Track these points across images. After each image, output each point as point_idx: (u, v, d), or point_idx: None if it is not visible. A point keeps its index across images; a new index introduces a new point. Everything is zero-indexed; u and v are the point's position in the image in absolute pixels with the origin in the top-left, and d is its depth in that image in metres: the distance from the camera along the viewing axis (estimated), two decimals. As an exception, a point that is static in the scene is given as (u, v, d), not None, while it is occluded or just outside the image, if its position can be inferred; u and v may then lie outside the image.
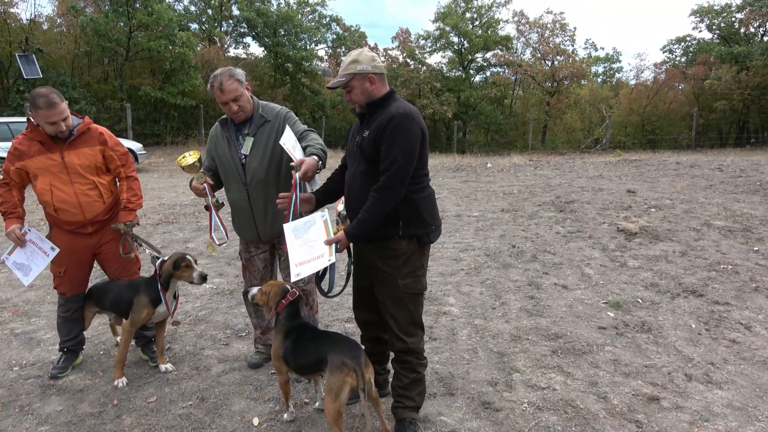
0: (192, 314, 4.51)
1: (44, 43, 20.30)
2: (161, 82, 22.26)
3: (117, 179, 3.52)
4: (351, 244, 2.67)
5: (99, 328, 4.17)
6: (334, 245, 2.52)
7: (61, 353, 3.58)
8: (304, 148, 2.96)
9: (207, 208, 3.23)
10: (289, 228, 2.65)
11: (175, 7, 25.26)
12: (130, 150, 13.74)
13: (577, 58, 29.31)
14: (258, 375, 3.46)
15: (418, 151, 2.49)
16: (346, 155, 2.81)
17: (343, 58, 2.66)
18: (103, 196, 3.35)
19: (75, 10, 20.41)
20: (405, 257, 2.61)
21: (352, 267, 2.76)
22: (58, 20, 22.88)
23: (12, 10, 20.04)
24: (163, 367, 3.52)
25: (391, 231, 2.56)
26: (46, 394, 3.28)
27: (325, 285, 2.67)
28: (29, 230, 3.32)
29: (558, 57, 29.19)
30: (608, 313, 4.37)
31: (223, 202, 3.30)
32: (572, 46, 29.86)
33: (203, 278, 3.33)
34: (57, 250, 3.31)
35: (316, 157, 2.79)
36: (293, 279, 2.58)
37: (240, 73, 3.11)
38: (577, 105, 29.61)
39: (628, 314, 4.33)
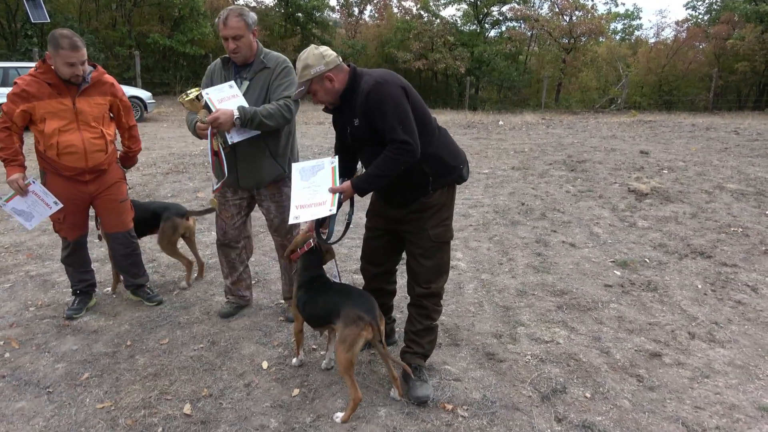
0: (203, 261, 4.56)
1: (51, -13, 19.89)
2: (170, 30, 21.89)
3: (119, 128, 3.57)
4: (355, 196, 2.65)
5: (111, 273, 4.24)
6: (337, 195, 2.49)
7: (74, 296, 3.68)
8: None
9: (217, 153, 3.05)
10: (297, 168, 2.64)
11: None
12: (140, 98, 13.68)
13: (596, 14, 28.37)
14: (267, 321, 3.53)
15: (409, 105, 2.43)
16: (350, 144, 2.69)
17: (296, 66, 2.55)
18: (107, 147, 3.37)
19: (81, -48, 19.88)
20: (436, 209, 2.64)
21: (350, 217, 2.74)
22: (65, -38, 22.30)
23: (17, -50, 19.55)
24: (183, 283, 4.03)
25: (421, 192, 2.58)
26: (62, 333, 3.37)
27: (325, 233, 2.67)
28: (33, 182, 3.24)
29: (576, 12, 28.22)
30: (615, 271, 4.39)
31: (231, 144, 3.03)
32: (592, 1, 28.87)
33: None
34: (60, 205, 3.31)
35: (235, 111, 2.82)
36: (291, 221, 2.56)
37: (251, 15, 3.03)
38: (593, 63, 28.81)
39: (634, 273, 4.34)
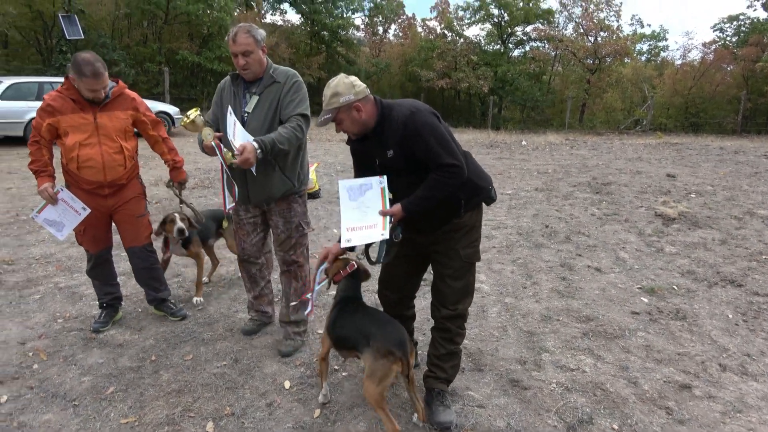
0: (226, 278, 4.61)
1: (86, 5, 20.48)
2: (198, 47, 22.39)
3: (152, 144, 3.65)
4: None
5: (138, 287, 4.30)
6: (388, 218, 2.45)
7: (101, 309, 3.73)
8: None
9: (230, 167, 3.02)
10: (344, 186, 2.58)
11: (215, -30, 25.18)
12: (167, 113, 13.97)
13: (621, 35, 28.24)
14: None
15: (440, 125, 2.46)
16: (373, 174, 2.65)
17: (323, 93, 2.48)
18: (125, 161, 3.42)
19: (116, -29, 20.55)
20: (467, 229, 2.65)
21: (399, 235, 2.60)
22: (100, -19, 23.04)
23: (56, -30, 20.29)
24: (195, 299, 4.08)
25: (454, 214, 2.59)
26: (88, 346, 3.42)
27: (373, 253, 2.62)
28: (62, 189, 3.33)
29: (601, 33, 28.15)
30: (642, 298, 4.30)
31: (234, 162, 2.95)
32: (617, 21, 28.84)
33: (180, 232, 3.82)
34: (88, 210, 3.37)
35: (255, 144, 2.79)
36: (343, 244, 2.54)
37: (260, 32, 3.04)
38: (618, 84, 28.63)
39: (662, 301, 4.25)
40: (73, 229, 3.42)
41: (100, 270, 3.65)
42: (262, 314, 3.69)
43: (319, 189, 7.87)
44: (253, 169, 2.90)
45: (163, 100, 16.98)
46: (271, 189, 3.17)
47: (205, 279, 4.42)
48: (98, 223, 3.51)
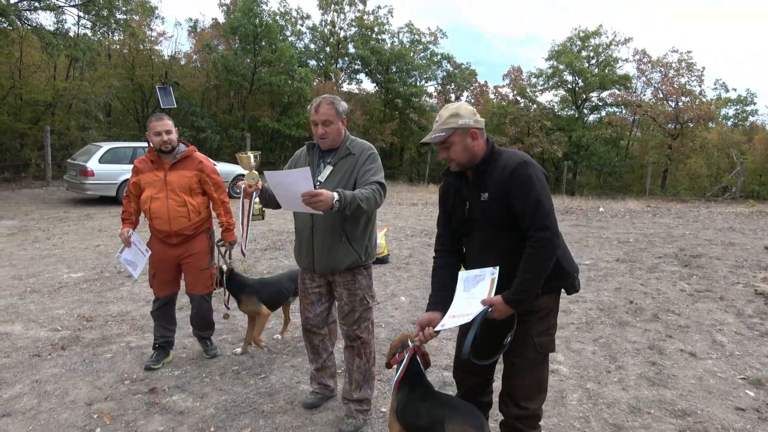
0: (291, 345, 4.52)
1: (180, 77, 22.48)
2: (279, 114, 23.71)
3: (213, 204, 4.04)
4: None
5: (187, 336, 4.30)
6: (485, 308, 2.24)
7: (154, 350, 4.08)
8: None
9: (251, 216, 3.08)
10: (462, 277, 2.44)
11: (297, 45, 26.99)
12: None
13: (704, 100, 27.21)
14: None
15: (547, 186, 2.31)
16: (455, 223, 2.54)
17: (440, 113, 2.42)
18: (189, 214, 3.84)
19: (209, 47, 22.49)
20: (543, 314, 2.41)
21: (509, 338, 2.34)
22: (194, 56, 25.24)
23: (156, 47, 22.49)
24: (236, 349, 4.32)
25: None
26: (150, 411, 3.38)
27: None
28: (132, 233, 3.88)
29: (683, 98, 27.27)
30: (747, 391, 3.78)
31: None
32: (700, 86, 27.74)
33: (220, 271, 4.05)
34: (149, 252, 3.87)
35: (336, 195, 2.69)
36: (437, 328, 2.37)
37: (342, 104, 3.08)
38: (703, 149, 27.31)
39: (773, 395, 3.72)
40: (142, 269, 3.91)
41: (162, 312, 4.05)
42: (324, 387, 3.54)
43: (388, 254, 7.78)
44: (319, 212, 2.79)
45: (244, 164, 17.84)
46: (335, 259, 3.10)
47: (277, 336, 4.67)
48: (166, 268, 3.96)
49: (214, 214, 4.04)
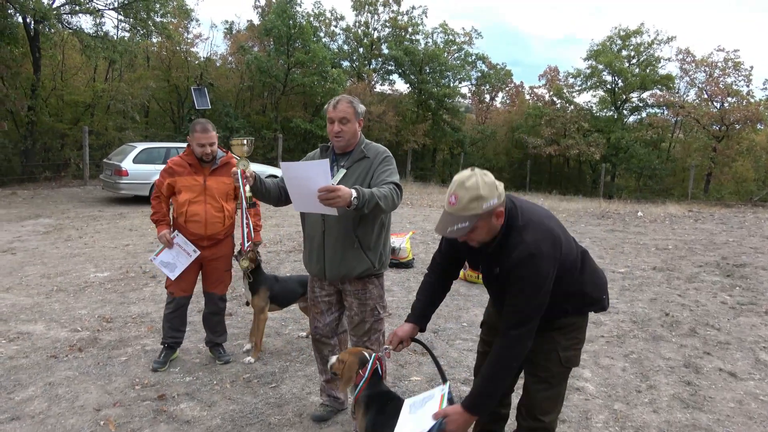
0: (306, 352, 4.41)
1: (215, 78, 22.79)
2: (311, 115, 23.81)
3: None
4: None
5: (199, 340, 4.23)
6: (438, 421, 2.09)
7: (162, 348, 4.10)
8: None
9: (251, 205, 3.07)
10: (408, 403, 2.31)
11: (330, 46, 27.05)
12: (277, 177, 14.68)
13: (752, 100, 26.00)
14: (361, 433, 3.19)
15: (553, 276, 2.10)
16: (462, 255, 2.46)
17: (455, 191, 2.03)
18: (224, 219, 3.94)
19: (243, 49, 22.76)
20: (570, 327, 2.32)
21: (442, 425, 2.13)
22: (229, 58, 25.56)
23: (192, 49, 22.89)
24: (248, 359, 4.20)
25: (556, 313, 2.25)
26: (157, 420, 3.31)
27: None
28: (176, 234, 3.90)
29: (729, 98, 26.12)
30: (794, 418, 3.48)
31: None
32: (747, 86, 26.49)
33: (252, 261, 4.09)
34: (198, 252, 3.89)
35: (354, 192, 2.52)
36: None
37: (360, 106, 3.00)
38: (750, 152, 26.11)
39: (822, 424, 3.41)
40: (186, 267, 3.92)
41: (177, 314, 4.08)
42: (334, 400, 3.42)
43: (413, 258, 7.61)
44: (335, 212, 2.65)
45: (276, 165, 17.96)
46: (347, 266, 2.98)
47: (302, 334, 4.75)
48: (191, 269, 3.99)
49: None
